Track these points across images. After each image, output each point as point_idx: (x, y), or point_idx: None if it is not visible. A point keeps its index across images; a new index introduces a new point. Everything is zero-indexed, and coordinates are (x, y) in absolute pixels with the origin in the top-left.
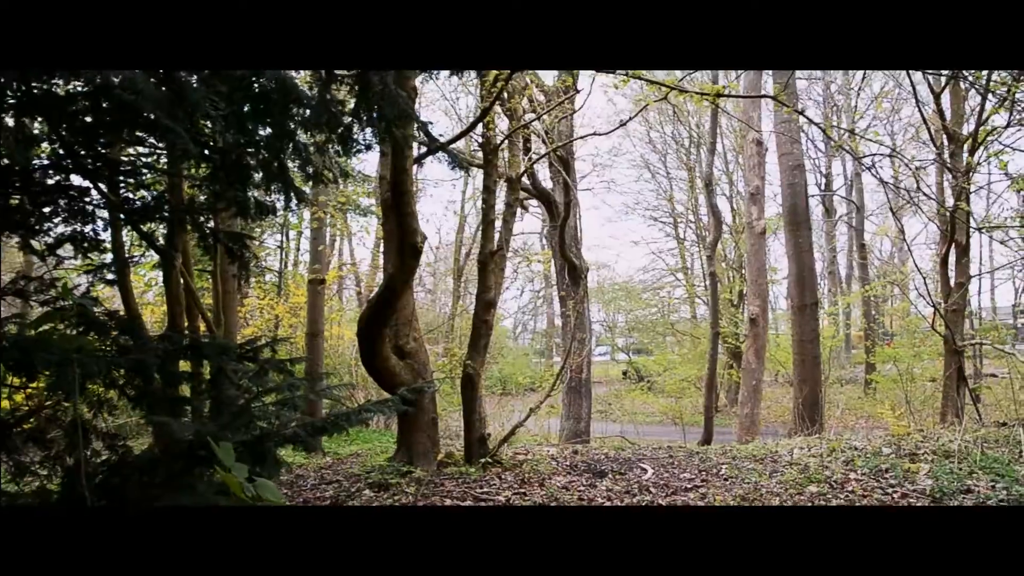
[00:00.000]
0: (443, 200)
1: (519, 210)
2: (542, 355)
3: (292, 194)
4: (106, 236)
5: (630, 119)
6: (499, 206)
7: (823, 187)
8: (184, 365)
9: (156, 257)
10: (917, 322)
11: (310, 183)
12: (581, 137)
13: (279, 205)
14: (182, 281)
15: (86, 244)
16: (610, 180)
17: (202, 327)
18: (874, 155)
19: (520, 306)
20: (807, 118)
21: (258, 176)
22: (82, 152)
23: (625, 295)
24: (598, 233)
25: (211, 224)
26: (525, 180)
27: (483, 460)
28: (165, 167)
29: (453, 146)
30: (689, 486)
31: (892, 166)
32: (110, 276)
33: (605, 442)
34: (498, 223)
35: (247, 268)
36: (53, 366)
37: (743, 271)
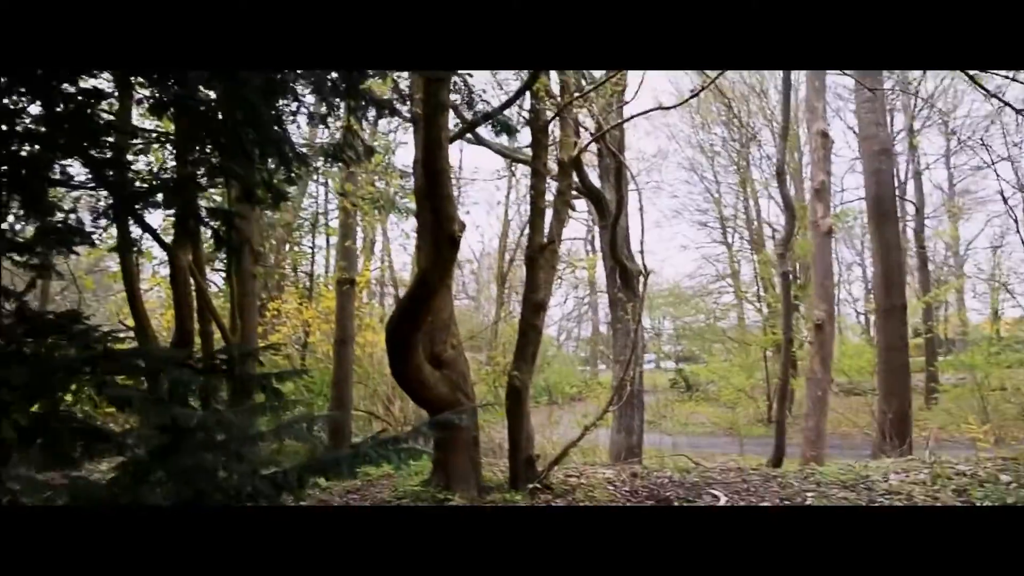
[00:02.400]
0: (485, 204)
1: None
2: (587, 363)
3: (293, 161)
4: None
5: (702, 89)
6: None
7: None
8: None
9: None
10: (983, 328)
11: (329, 162)
12: (641, 114)
13: (287, 184)
14: (192, 281)
15: (69, 236)
16: (659, 180)
17: (218, 334)
18: None
19: (565, 313)
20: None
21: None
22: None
23: (674, 301)
24: (645, 237)
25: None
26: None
27: (531, 486)
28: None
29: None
30: None
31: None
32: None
33: (664, 461)
34: (548, 213)
35: (238, 252)
36: None
37: (796, 274)
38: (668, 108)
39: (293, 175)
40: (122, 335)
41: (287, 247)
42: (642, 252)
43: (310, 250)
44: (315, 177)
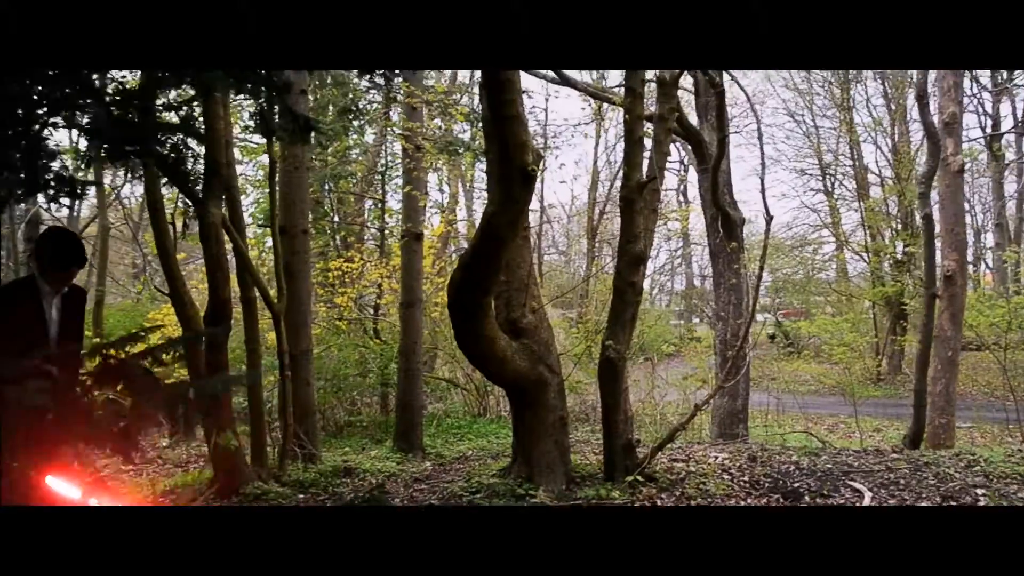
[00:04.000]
0: (573, 155)
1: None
2: (681, 317)
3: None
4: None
5: None
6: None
7: (989, 129)
8: None
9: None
10: None
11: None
12: None
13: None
14: (227, 240)
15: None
16: (759, 123)
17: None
18: None
19: (657, 266)
20: None
21: None
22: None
23: (772, 251)
24: (740, 187)
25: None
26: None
27: (630, 478)
28: None
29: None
30: None
31: None
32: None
33: (779, 435)
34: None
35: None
36: None
37: (909, 223)
38: None
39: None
40: None
41: (367, 202)
42: (732, 203)
43: (387, 204)
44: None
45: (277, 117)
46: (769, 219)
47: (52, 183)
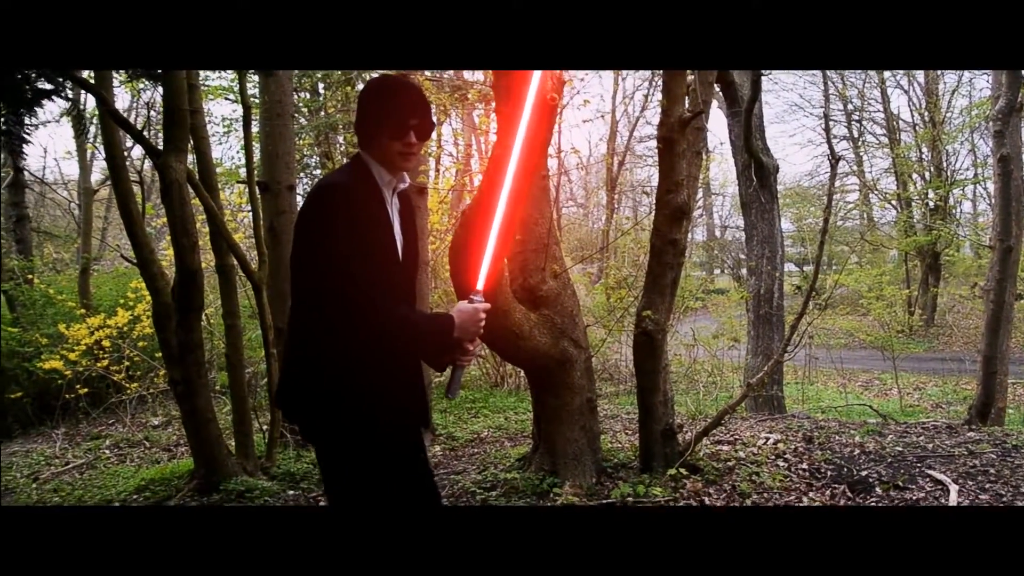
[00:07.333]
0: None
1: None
2: (702, 268)
3: None
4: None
5: None
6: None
7: None
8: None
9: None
10: None
11: None
12: None
13: None
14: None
15: None
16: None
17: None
18: None
19: None
20: None
21: None
22: None
23: (797, 200)
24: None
25: None
26: None
27: (671, 471)
28: None
29: None
30: None
31: None
32: None
33: (838, 411)
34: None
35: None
36: None
37: (942, 169)
38: None
39: None
40: None
41: None
42: (764, 149)
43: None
44: None
45: None
46: (836, 161)
47: None
